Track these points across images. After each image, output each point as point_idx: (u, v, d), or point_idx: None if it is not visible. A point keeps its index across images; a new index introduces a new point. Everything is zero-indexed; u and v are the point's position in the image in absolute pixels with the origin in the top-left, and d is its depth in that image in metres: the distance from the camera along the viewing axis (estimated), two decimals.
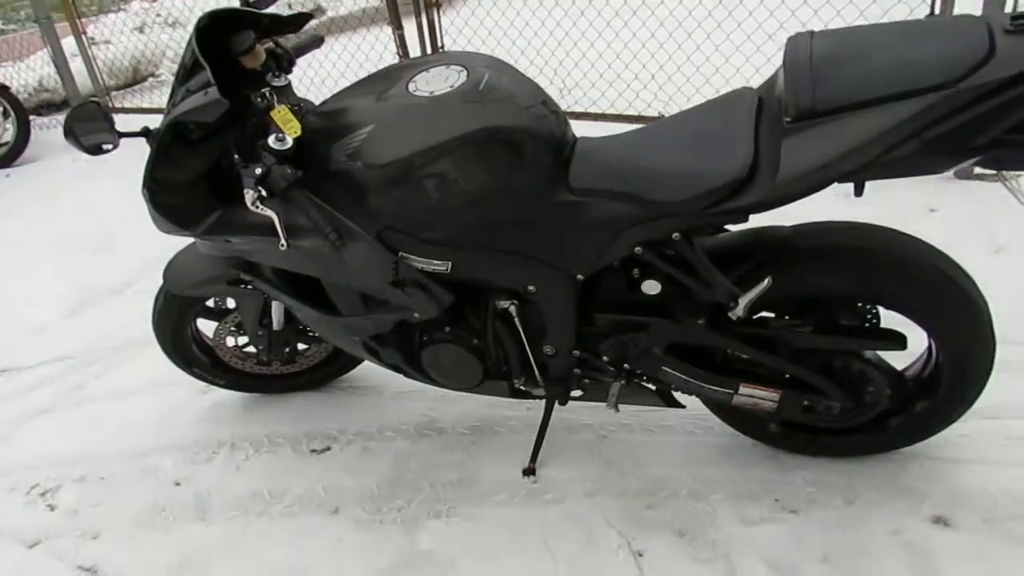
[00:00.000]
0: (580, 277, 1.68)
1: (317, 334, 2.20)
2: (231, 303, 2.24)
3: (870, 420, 1.79)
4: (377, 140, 1.57)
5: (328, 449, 2.25)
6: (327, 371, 2.43)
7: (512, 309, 1.77)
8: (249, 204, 1.60)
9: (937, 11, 3.17)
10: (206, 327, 2.32)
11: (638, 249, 1.60)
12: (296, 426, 2.34)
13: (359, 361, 2.43)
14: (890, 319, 1.67)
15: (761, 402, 1.76)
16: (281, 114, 1.66)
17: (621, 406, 1.87)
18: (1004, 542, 1.70)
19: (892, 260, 1.58)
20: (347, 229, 1.62)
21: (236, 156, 1.64)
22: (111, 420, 2.46)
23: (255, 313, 2.10)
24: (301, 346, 2.31)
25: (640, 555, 1.79)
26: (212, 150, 1.76)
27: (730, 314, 1.59)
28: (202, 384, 2.47)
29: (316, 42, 1.95)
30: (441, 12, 4.41)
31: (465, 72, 1.61)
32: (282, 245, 1.63)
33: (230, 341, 2.28)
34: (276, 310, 2.11)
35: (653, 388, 1.90)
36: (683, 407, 1.93)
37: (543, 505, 1.96)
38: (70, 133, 1.62)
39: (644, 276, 1.67)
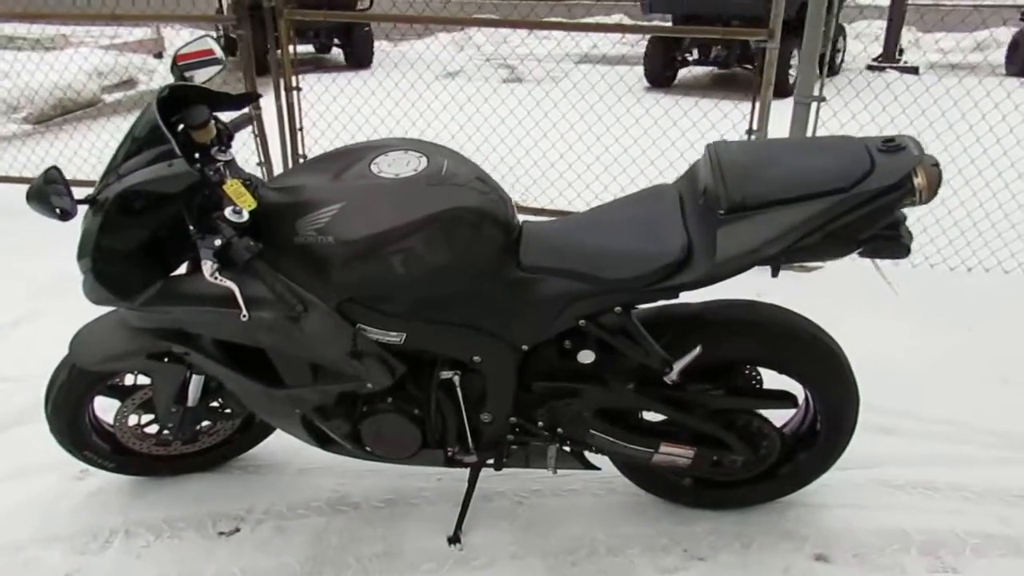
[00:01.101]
0: (524, 348, 1.83)
1: (233, 409, 2.15)
2: (137, 379, 2.14)
3: (761, 472, 2.06)
4: (348, 216, 1.64)
5: (237, 530, 2.16)
6: (226, 450, 2.36)
7: (455, 379, 1.88)
8: (208, 275, 1.61)
9: (755, 126, 3.76)
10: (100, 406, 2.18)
11: (582, 322, 1.78)
12: (196, 508, 2.23)
13: (258, 440, 2.38)
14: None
15: (677, 459, 1.97)
16: (234, 188, 1.70)
17: (527, 472, 2.00)
18: (872, 570, 2.01)
19: (785, 331, 1.88)
20: (307, 301, 1.67)
21: (192, 228, 1.64)
22: None
23: (172, 389, 2.02)
24: (205, 423, 2.23)
25: None
26: (157, 220, 1.75)
27: (666, 379, 1.80)
28: (77, 468, 2.30)
29: (248, 120, 2.00)
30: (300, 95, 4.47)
31: (425, 158, 1.74)
32: (244, 316, 1.64)
33: (132, 420, 2.15)
34: (194, 385, 2.05)
35: (568, 451, 2.05)
36: (599, 469, 2.10)
37: (473, 571, 2.02)
38: (38, 198, 1.55)
39: (579, 346, 1.85)
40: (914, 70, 8.84)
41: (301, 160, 4.48)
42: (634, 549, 2.08)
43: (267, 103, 4.58)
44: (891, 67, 9.22)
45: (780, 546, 2.09)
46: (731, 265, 1.62)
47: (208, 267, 1.62)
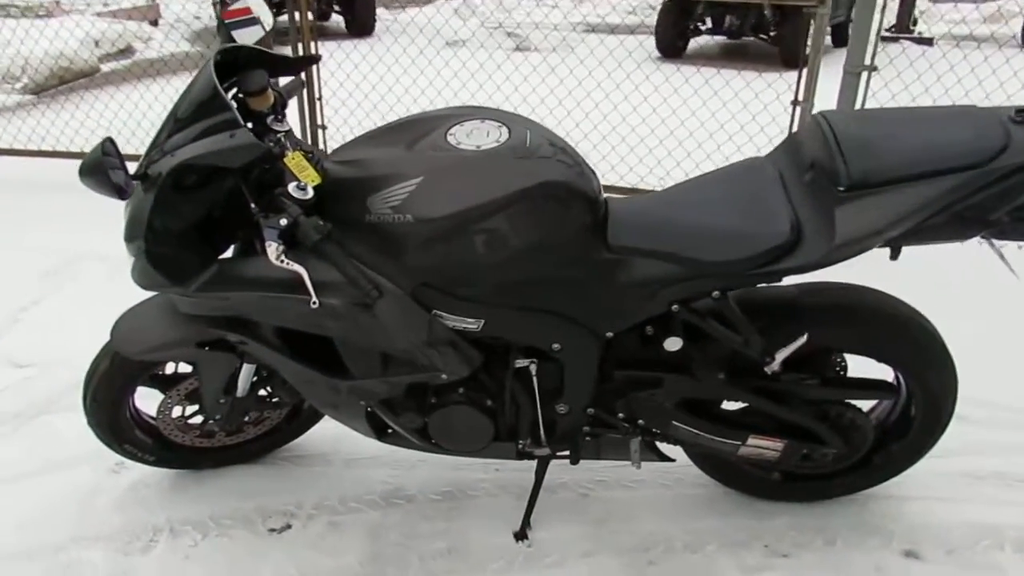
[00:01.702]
0: (609, 335, 1.69)
1: (283, 399, 2.01)
2: (178, 368, 1.99)
3: (850, 464, 1.94)
4: (428, 192, 1.49)
5: (288, 527, 2.03)
6: (270, 440, 2.22)
7: (532, 368, 1.74)
8: (273, 258, 1.46)
9: (801, 98, 3.60)
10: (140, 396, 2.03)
11: (675, 307, 1.64)
12: (243, 503, 2.09)
13: (304, 430, 2.25)
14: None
15: (765, 452, 1.85)
16: (296, 161, 1.55)
17: (590, 462, 1.88)
18: (966, 569, 1.90)
19: (887, 316, 1.75)
20: (381, 286, 1.52)
21: (253, 206, 1.49)
22: (6, 510, 2.06)
23: (222, 379, 1.88)
24: (252, 414, 2.09)
25: None
26: (212, 198, 1.60)
27: (766, 368, 1.67)
28: (112, 461, 2.16)
29: (300, 86, 1.84)
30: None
31: (506, 128, 1.59)
32: (313, 303, 1.49)
33: (176, 411, 2.01)
34: (245, 375, 1.90)
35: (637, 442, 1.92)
36: (674, 460, 1.98)
37: (545, 569, 1.90)
38: (95, 173, 1.40)
39: (665, 333, 1.71)
40: (929, 41, 8.65)
41: (320, 131, 4.30)
42: (712, 545, 1.97)
43: None
44: (905, 37, 9.05)
45: (867, 542, 1.97)
46: (852, 247, 1.48)
47: (273, 249, 1.46)
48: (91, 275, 3.23)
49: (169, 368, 2.00)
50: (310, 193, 1.53)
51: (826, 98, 3.54)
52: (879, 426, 1.96)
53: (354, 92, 4.61)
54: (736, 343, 1.66)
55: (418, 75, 4.98)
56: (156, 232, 1.52)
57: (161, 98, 4.71)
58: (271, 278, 1.54)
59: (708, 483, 2.13)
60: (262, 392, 2.01)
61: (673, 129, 4.18)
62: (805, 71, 3.56)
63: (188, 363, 1.94)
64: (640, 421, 1.83)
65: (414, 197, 1.49)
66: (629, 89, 4.48)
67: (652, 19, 8.71)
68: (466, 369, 1.66)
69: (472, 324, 1.63)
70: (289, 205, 1.47)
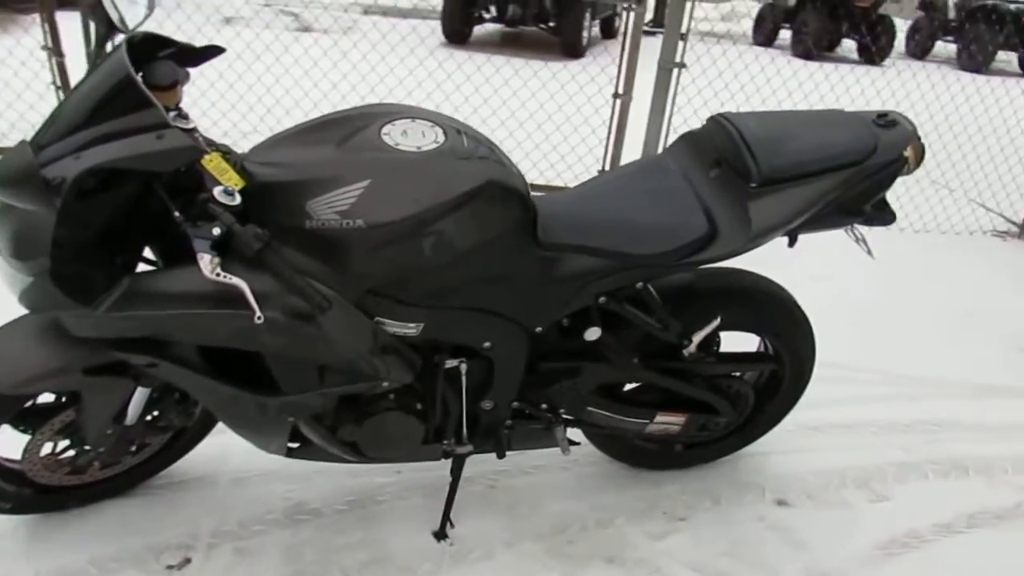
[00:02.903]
0: (539, 330, 1.74)
1: (171, 423, 1.83)
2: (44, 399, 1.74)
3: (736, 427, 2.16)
4: (378, 195, 1.44)
5: (188, 561, 1.85)
6: (144, 469, 2.01)
7: (461, 367, 1.74)
8: (208, 271, 1.34)
9: (621, 90, 3.85)
10: None
11: (602, 299, 1.72)
12: (126, 541, 1.88)
13: (182, 454, 2.06)
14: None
15: (669, 427, 2.00)
16: (214, 163, 1.43)
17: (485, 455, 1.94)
18: (823, 508, 2.20)
19: (768, 296, 1.97)
20: (328, 296, 1.44)
21: (177, 214, 1.35)
22: None
23: (112, 407, 1.66)
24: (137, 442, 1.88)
25: None
26: (118, 205, 1.43)
27: (684, 351, 1.81)
28: None
29: (186, 78, 1.68)
30: None
31: (439, 128, 1.57)
32: (258, 318, 1.38)
33: (45, 449, 1.75)
34: (138, 399, 1.70)
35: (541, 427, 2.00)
36: (579, 444, 2.08)
37: (473, 564, 1.92)
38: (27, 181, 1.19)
39: (585, 324, 1.80)
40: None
41: None
42: (620, 518, 2.10)
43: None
44: (661, 32, 9.89)
45: (745, 497, 2.21)
46: (765, 237, 1.65)
47: (207, 262, 1.34)
48: None
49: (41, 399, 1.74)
50: (238, 199, 1.41)
51: (641, 91, 3.83)
52: (756, 391, 2.19)
53: None
54: (655, 329, 1.78)
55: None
56: (62, 246, 1.32)
57: None
58: (202, 293, 1.40)
59: (601, 460, 2.26)
60: (148, 418, 1.81)
61: (458, 106, 4.26)
62: (624, 66, 3.81)
63: (64, 393, 1.70)
64: (561, 410, 1.90)
65: (364, 201, 1.43)
66: (442, 77, 4.51)
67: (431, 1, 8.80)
68: (409, 375, 1.63)
69: (412, 329, 1.60)
70: (220, 212, 1.35)
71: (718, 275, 1.94)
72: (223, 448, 2.09)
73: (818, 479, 2.30)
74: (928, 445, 2.50)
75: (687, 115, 4.00)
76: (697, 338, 1.80)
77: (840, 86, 4.96)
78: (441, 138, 1.54)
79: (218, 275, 1.34)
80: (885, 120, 1.74)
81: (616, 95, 3.89)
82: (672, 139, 3.77)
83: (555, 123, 4.06)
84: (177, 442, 2.00)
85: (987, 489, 2.33)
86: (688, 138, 1.87)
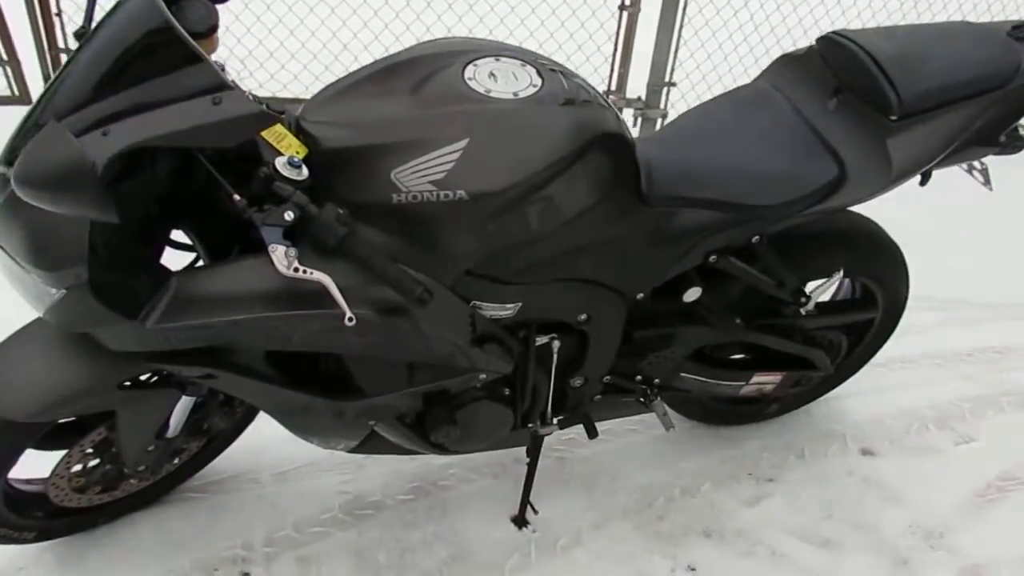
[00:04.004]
0: (640, 297, 1.51)
1: (212, 427, 1.57)
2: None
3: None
4: (480, 158, 1.17)
5: (248, 575, 1.64)
6: (175, 476, 1.76)
7: (553, 345, 1.52)
8: (284, 267, 1.07)
9: (628, 1, 3.53)
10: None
11: (712, 258, 1.50)
12: (173, 560, 1.65)
13: (216, 455, 1.81)
14: None
15: (764, 386, 1.82)
16: (275, 130, 1.14)
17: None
18: (911, 454, 2.07)
19: (870, 237, 1.76)
20: (426, 283, 1.19)
21: (237, 197, 1.06)
22: None
23: (155, 421, 1.40)
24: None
25: (693, 569, 1.73)
26: (152, 190, 1.14)
27: (802, 310, 1.61)
28: None
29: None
30: None
31: (531, 67, 1.29)
32: (349, 320, 1.11)
33: (76, 468, 1.48)
34: (182, 410, 1.44)
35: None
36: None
37: (563, 552, 1.75)
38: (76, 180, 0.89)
39: (685, 284, 1.58)
40: None
41: (63, 56, 3.40)
42: (706, 484, 1.94)
43: None
44: None
45: (829, 449, 2.07)
46: (905, 177, 1.44)
47: (282, 255, 1.07)
48: None
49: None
50: (305, 171, 1.14)
51: (650, 2, 3.52)
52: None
53: None
54: (770, 287, 1.58)
55: None
56: (100, 250, 1.03)
57: None
58: (274, 292, 1.13)
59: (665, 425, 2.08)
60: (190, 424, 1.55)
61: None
62: None
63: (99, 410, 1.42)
64: (656, 380, 1.70)
65: (463, 166, 1.16)
66: None
67: None
68: (509, 363, 1.40)
69: (509, 310, 1.36)
70: (291, 192, 1.08)
71: (824, 219, 1.73)
72: (256, 439, 1.84)
73: (897, 422, 2.17)
74: (995, 375, 2.39)
75: (698, 26, 3.72)
76: (817, 295, 1.60)
77: None
78: (537, 80, 1.27)
79: (296, 270, 1.07)
80: (1022, 32, 1.51)
81: (622, 7, 3.56)
82: (683, 54, 3.50)
83: (557, 41, 3.72)
84: (213, 442, 1.75)
85: None
86: (789, 61, 1.62)
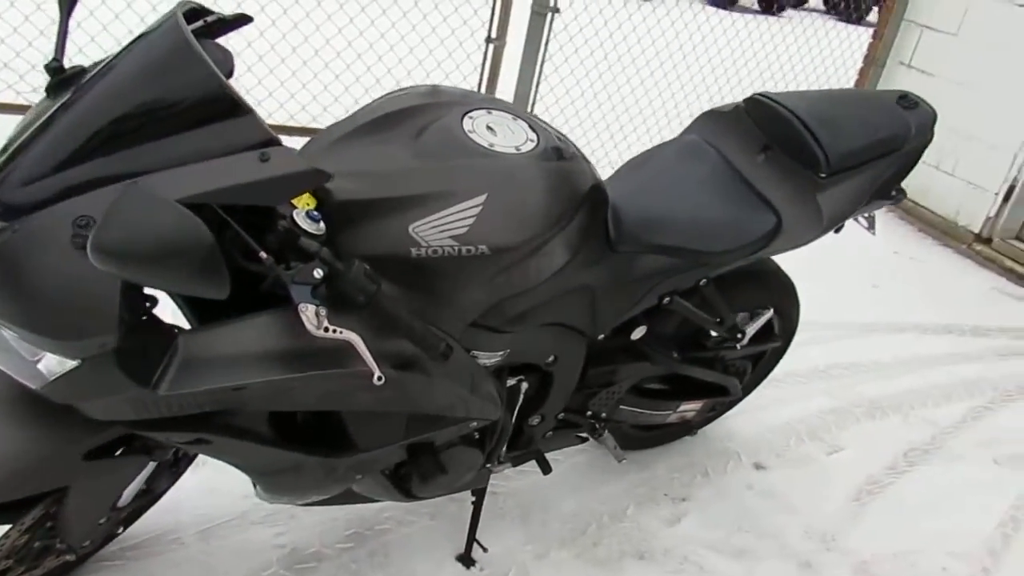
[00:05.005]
0: (600, 337, 1.59)
1: (163, 488, 1.44)
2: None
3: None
4: (498, 213, 1.19)
5: None
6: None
7: (521, 386, 1.56)
8: (314, 327, 1.03)
9: (495, 34, 3.62)
10: None
11: (666, 299, 1.61)
12: None
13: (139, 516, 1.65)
14: None
15: (687, 414, 1.96)
16: None
17: None
18: (795, 465, 2.32)
19: (773, 272, 1.96)
20: (446, 340, 1.18)
21: (263, 255, 1.01)
22: None
23: (115, 492, 1.27)
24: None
25: None
26: None
27: (737, 345, 1.75)
28: None
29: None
30: None
31: (523, 123, 1.33)
32: (378, 379, 1.08)
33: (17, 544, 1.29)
34: (141, 476, 1.31)
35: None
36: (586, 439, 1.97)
37: None
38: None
39: (631, 324, 1.68)
40: None
41: None
42: (630, 508, 2.05)
43: None
44: None
45: (727, 465, 2.26)
46: (831, 227, 1.63)
47: (312, 314, 1.03)
48: None
49: None
50: (322, 225, 1.10)
51: (515, 37, 3.63)
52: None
53: None
54: (711, 325, 1.71)
55: None
56: (125, 313, 0.93)
57: None
58: (300, 352, 1.08)
59: (585, 447, 2.17)
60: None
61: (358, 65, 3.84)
62: (497, 9, 3.57)
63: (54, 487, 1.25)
64: (603, 414, 1.78)
65: (483, 221, 1.17)
66: (298, 15, 3.94)
67: None
68: (499, 410, 1.41)
69: (498, 357, 1.38)
70: (317, 248, 1.04)
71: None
72: (170, 493, 1.70)
73: (777, 437, 2.41)
74: (849, 388, 2.72)
75: (558, 63, 3.89)
76: (750, 331, 1.76)
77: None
78: (532, 135, 1.31)
79: (326, 330, 1.03)
80: (908, 101, 1.76)
81: (489, 39, 3.65)
82: (544, 88, 3.64)
83: (425, 69, 3.74)
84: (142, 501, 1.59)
85: (905, 426, 2.59)
86: (716, 117, 1.78)
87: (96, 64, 1.09)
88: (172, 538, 1.71)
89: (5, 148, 1.02)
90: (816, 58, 5.36)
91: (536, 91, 3.79)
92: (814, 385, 2.71)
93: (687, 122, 1.83)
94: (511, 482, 2.05)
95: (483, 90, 3.77)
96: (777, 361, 2.20)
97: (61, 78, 1.07)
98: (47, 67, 1.07)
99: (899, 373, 2.88)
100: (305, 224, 1.07)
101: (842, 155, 1.60)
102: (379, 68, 3.79)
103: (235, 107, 0.94)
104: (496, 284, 1.23)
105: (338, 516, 1.84)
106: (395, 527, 1.86)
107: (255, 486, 1.40)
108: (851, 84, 4.94)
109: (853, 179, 1.63)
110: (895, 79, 4.45)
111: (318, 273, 1.03)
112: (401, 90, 1.38)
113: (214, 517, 1.78)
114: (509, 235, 1.19)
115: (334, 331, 1.04)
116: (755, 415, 2.47)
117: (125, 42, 1.08)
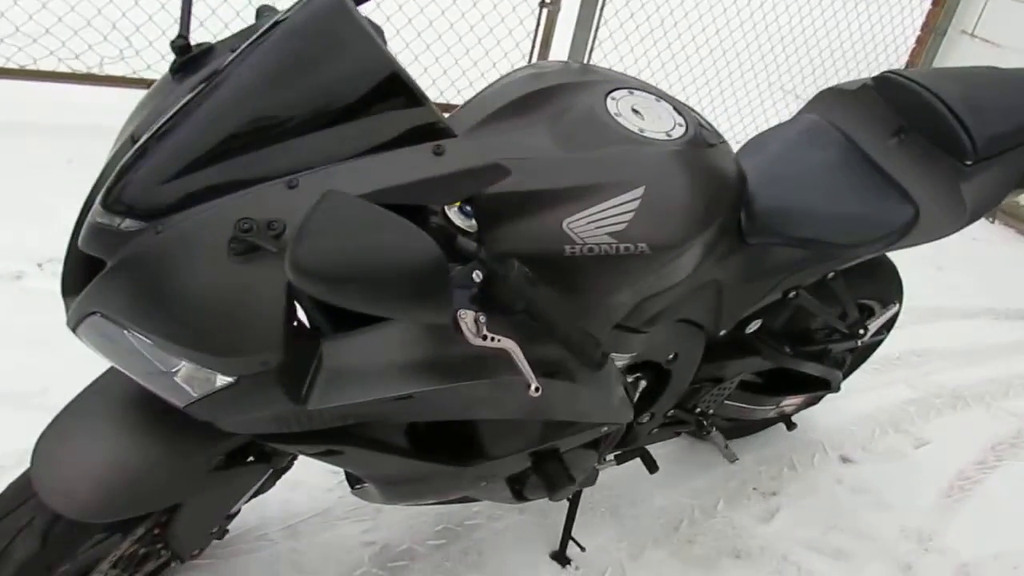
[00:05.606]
0: (723, 333, 1.49)
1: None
2: None
3: None
4: (656, 208, 1.08)
5: None
6: None
7: (639, 384, 1.46)
8: (472, 336, 0.93)
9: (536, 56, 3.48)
10: None
11: (792, 293, 1.51)
12: None
13: None
14: None
15: (787, 408, 1.87)
16: None
17: None
18: (882, 459, 2.23)
19: (884, 261, 1.85)
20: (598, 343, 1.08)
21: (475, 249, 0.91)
22: None
23: (231, 502, 1.19)
24: None
25: None
26: None
27: (859, 342, 1.65)
28: None
29: None
30: None
31: (668, 105, 1.21)
32: (535, 391, 0.99)
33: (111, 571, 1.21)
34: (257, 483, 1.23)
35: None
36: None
37: None
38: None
39: (748, 318, 1.58)
40: None
41: None
42: (720, 503, 1.97)
43: None
44: None
45: (815, 459, 2.18)
46: (974, 220, 1.51)
47: (472, 321, 0.93)
48: None
49: None
50: (474, 221, 1.00)
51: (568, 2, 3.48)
52: None
53: None
54: (832, 319, 1.61)
55: None
56: (288, 327, 0.84)
57: None
58: (456, 361, 0.99)
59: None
60: None
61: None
62: None
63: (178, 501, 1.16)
64: (710, 410, 1.69)
65: (642, 216, 1.06)
66: None
67: None
68: (630, 413, 1.31)
69: (628, 358, 1.28)
70: (476, 249, 0.94)
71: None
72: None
73: (859, 428, 2.33)
74: (923, 378, 2.62)
75: (613, 28, 3.73)
76: (873, 327, 1.66)
77: None
78: (680, 119, 1.19)
79: (484, 338, 0.93)
80: None
81: (543, 3, 3.49)
82: (597, 55, 3.51)
83: (477, 35, 3.59)
84: None
85: (989, 418, 2.50)
86: (840, 95, 1.65)
87: (226, 42, 0.99)
88: (259, 535, 1.64)
89: (133, 138, 0.92)
90: (864, 24, 5.15)
91: (590, 58, 3.64)
92: (891, 374, 2.61)
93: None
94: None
95: (535, 57, 3.63)
96: (872, 353, 2.10)
97: (188, 57, 0.96)
98: (172, 44, 0.96)
99: (976, 361, 2.78)
100: (459, 221, 0.97)
101: (990, 140, 1.48)
102: (429, 33, 3.63)
103: (408, 93, 0.84)
104: (646, 283, 1.13)
105: (426, 511, 1.77)
106: (485, 522, 1.78)
107: (352, 485, 1.33)
108: (906, 56, 4.77)
109: (999, 166, 1.51)
110: (957, 50, 4.29)
111: (477, 276, 0.93)
112: (529, 66, 1.26)
113: (299, 512, 1.70)
114: (669, 231, 1.09)
115: (493, 339, 0.94)
116: (835, 403, 2.35)
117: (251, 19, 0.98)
